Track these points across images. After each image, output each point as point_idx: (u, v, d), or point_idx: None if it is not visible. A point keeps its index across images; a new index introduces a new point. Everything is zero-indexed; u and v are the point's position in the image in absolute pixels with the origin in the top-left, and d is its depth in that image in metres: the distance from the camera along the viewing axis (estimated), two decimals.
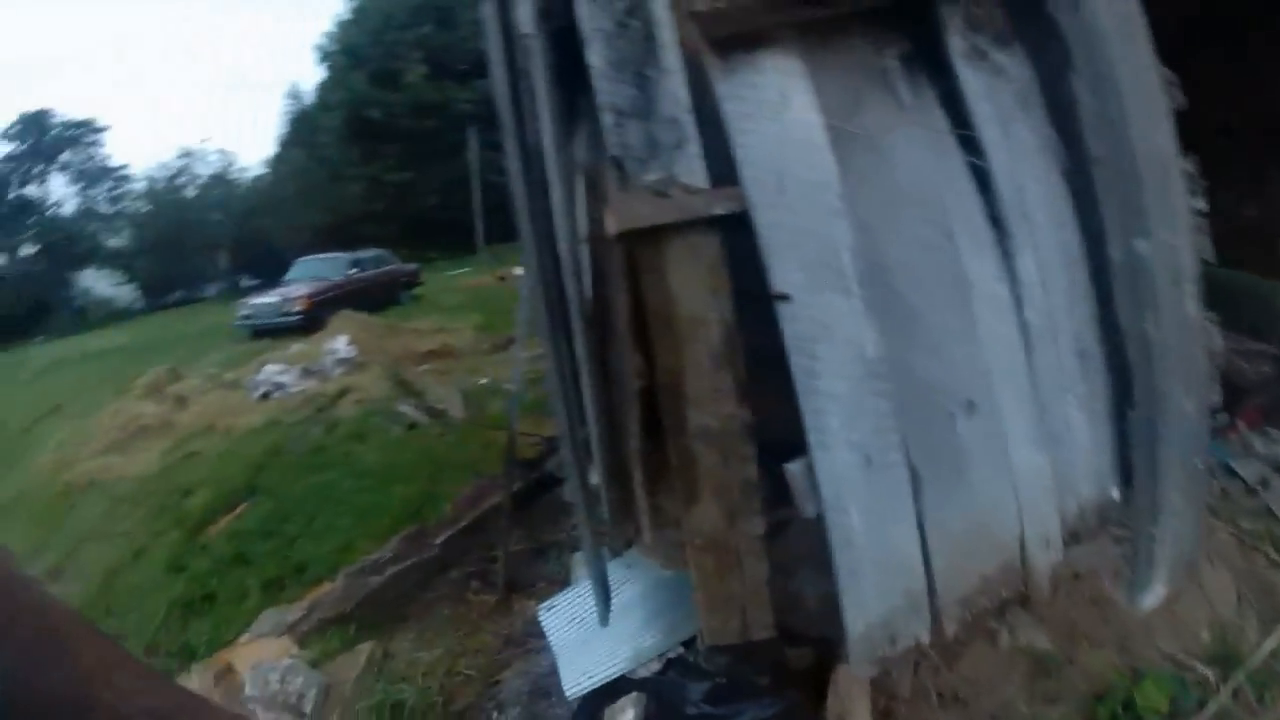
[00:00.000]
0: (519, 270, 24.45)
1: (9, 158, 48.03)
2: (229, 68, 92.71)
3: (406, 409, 9.48)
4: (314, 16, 78.81)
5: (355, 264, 21.96)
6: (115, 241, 47.70)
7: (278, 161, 46.02)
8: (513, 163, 3.37)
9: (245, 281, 42.77)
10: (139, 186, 48.44)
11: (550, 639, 4.19)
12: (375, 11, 40.65)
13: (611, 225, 2.41)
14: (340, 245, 25.59)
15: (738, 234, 2.48)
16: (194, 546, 6.76)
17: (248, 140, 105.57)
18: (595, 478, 3.81)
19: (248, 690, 4.48)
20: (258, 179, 47.49)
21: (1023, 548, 2.81)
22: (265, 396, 11.59)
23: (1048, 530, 2.84)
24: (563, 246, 3.27)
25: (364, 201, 39.86)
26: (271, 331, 18.26)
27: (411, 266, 24.86)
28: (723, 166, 2.50)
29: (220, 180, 46.30)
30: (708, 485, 2.56)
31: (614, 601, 3.84)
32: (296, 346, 14.40)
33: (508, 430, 5.67)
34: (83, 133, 49.75)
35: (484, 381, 10.66)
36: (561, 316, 3.47)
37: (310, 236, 38.98)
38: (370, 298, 20.11)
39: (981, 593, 2.81)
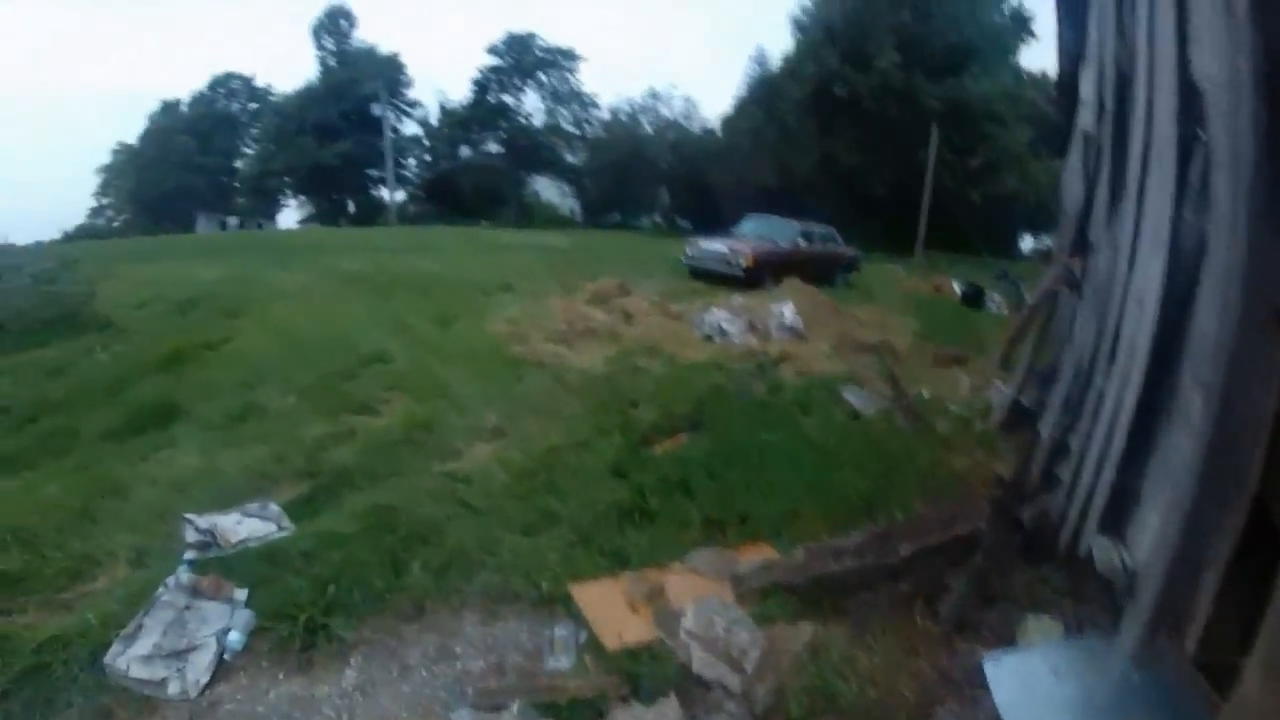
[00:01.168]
0: (956, 284, 23.69)
1: (493, 68, 57.85)
2: (704, 27, 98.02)
3: (852, 396, 9.32)
4: None
5: (805, 234, 21.62)
6: (571, 158, 53.48)
7: (734, 119, 47.71)
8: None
9: (680, 221, 45.18)
10: (603, 115, 53.87)
11: (996, 696, 3.97)
12: None
13: None
14: (780, 210, 25.46)
15: None
16: (637, 457, 6.82)
17: (711, 94, 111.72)
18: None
19: (688, 623, 4.40)
20: (708, 131, 49.54)
21: None
22: (708, 338, 11.89)
23: None
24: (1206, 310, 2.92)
25: (812, 174, 40.31)
26: (710, 276, 18.86)
27: (853, 251, 24.23)
28: None
29: (675, 125, 48.86)
30: None
31: (1067, 685, 3.80)
32: (739, 299, 14.69)
33: (1015, 463, 5.34)
34: (561, 59, 58.24)
35: (925, 394, 10.26)
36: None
37: (752, 194, 39.82)
38: (810, 271, 19.64)
39: None
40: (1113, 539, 4.40)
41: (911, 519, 5.69)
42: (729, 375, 9.64)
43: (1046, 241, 65.64)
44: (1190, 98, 3.58)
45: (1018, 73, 45.93)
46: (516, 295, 14.71)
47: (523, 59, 57.17)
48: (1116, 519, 4.43)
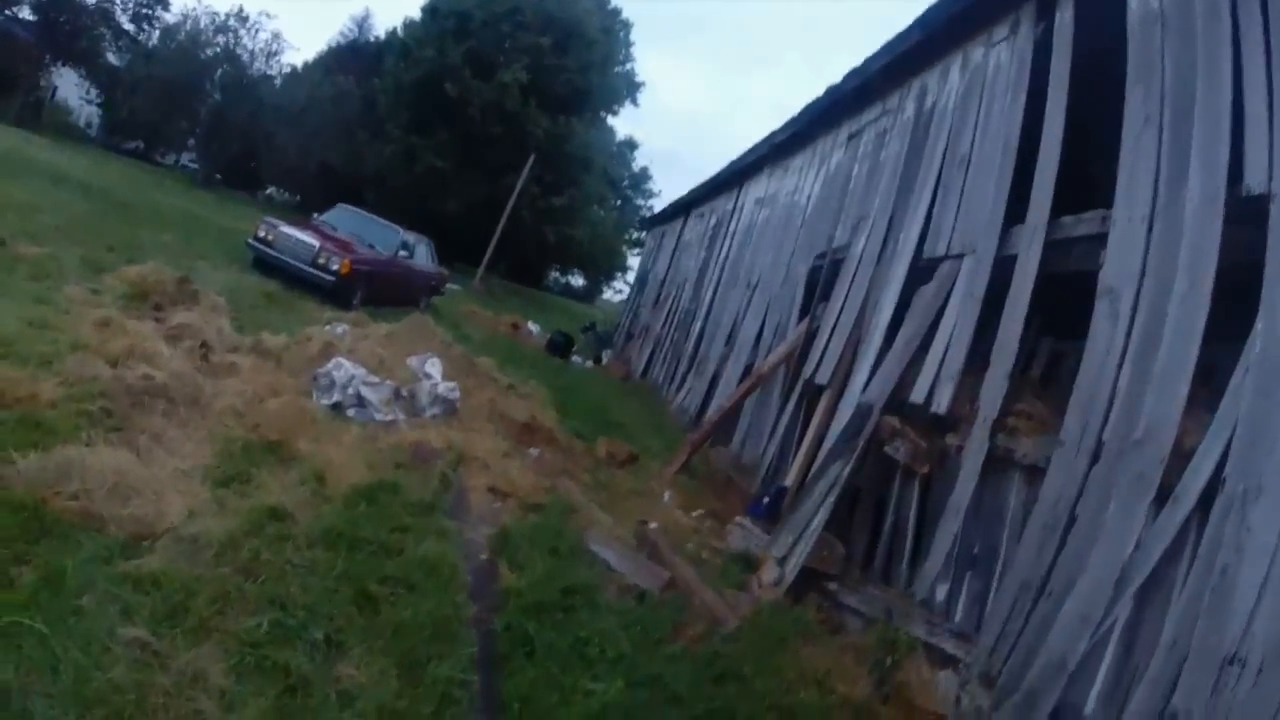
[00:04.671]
0: (533, 326, 21.25)
1: None
2: None
3: (609, 554, 5.96)
4: None
5: (405, 245, 16.78)
6: (115, 59, 40.75)
7: (310, 78, 40.91)
8: None
9: (215, 175, 37.42)
10: (170, 17, 41.32)
11: None
12: None
13: None
14: (341, 197, 21.61)
15: None
16: None
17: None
18: None
19: None
20: (269, 78, 40.94)
21: None
22: (337, 406, 7.54)
23: None
24: None
25: (389, 166, 36.07)
26: (286, 273, 13.70)
27: (445, 271, 20.23)
28: None
29: (242, 60, 39.24)
30: None
31: None
32: (343, 328, 10.34)
33: None
34: None
35: (653, 526, 7.09)
36: None
37: (312, 168, 35.76)
38: (404, 290, 16.21)
39: None
40: None
41: None
42: (435, 527, 5.48)
43: (577, 281, 66.09)
44: None
45: (612, 131, 46.07)
46: (6, 271, 8.16)
47: None
48: None
